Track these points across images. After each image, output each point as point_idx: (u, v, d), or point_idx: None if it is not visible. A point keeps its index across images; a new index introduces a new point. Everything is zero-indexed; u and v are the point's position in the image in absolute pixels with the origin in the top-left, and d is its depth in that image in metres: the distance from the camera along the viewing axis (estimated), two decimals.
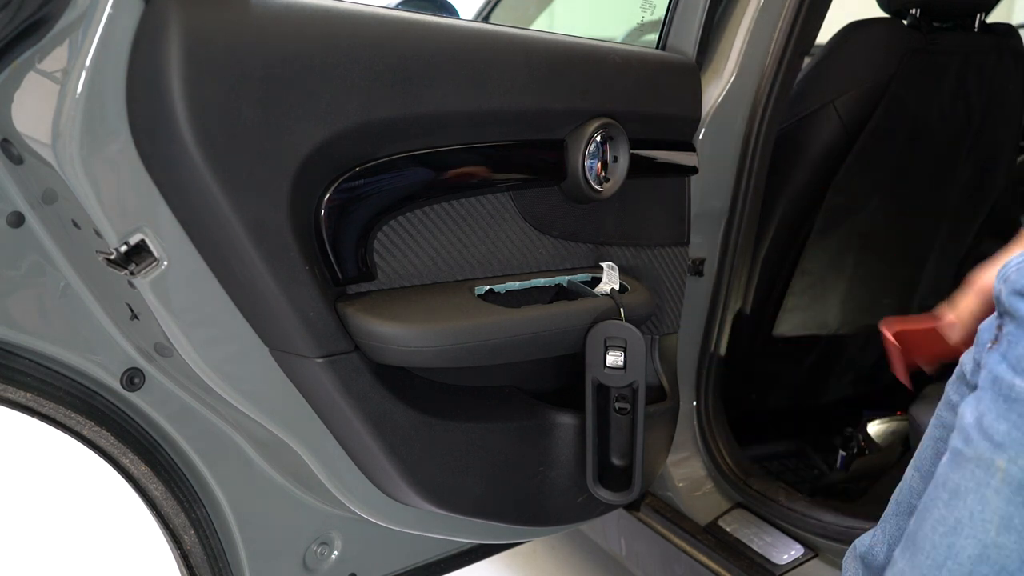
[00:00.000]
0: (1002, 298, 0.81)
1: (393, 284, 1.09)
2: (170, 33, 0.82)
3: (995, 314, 0.86)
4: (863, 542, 1.08)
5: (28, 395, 1.02)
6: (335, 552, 1.35)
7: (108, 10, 0.81)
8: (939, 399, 0.98)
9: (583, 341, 1.19)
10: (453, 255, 1.15)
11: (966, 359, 0.93)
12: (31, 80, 0.87)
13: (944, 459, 0.85)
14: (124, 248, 0.89)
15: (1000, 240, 0.98)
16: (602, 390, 1.22)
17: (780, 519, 1.62)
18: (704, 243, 1.56)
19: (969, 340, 0.93)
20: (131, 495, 1.13)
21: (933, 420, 1.00)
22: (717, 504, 1.70)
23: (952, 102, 1.79)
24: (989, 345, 0.83)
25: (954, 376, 0.97)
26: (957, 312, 0.99)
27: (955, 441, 0.83)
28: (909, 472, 1.03)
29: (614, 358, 1.19)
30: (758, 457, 1.93)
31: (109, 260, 0.90)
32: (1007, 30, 1.84)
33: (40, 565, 2.18)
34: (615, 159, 1.24)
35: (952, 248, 1.98)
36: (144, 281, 0.92)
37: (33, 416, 1.03)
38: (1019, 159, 2.05)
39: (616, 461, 1.27)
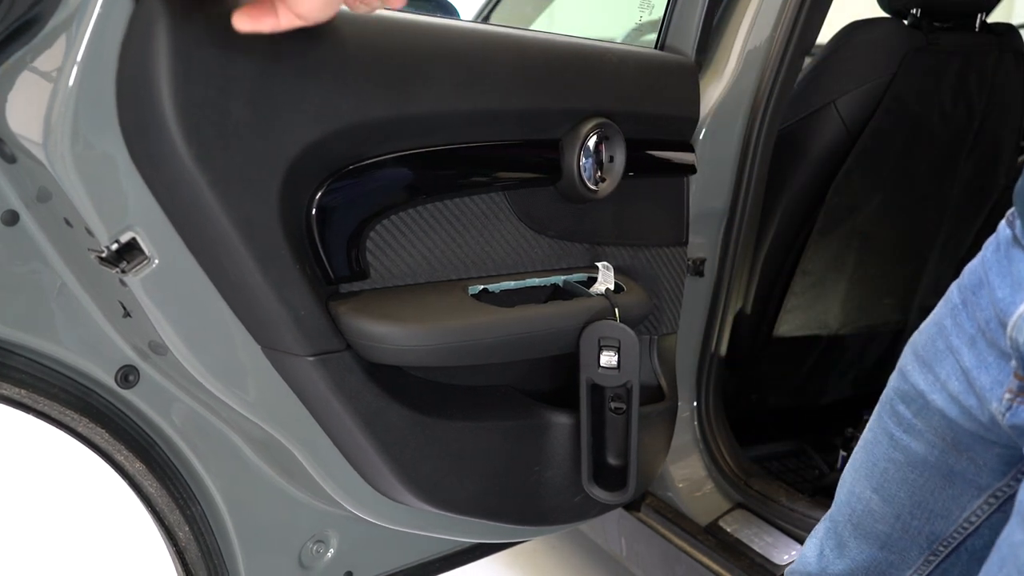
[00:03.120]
0: None
1: (386, 283, 1.09)
2: (159, 32, 0.82)
3: (988, 353, 0.80)
4: (807, 561, 1.03)
5: (23, 392, 1.02)
6: (331, 550, 1.35)
7: (98, 9, 0.82)
8: None
9: (577, 341, 1.19)
10: (447, 254, 1.15)
11: (926, 387, 0.87)
12: (23, 79, 0.88)
13: (1017, 536, 0.73)
14: (115, 246, 0.90)
15: None
16: (596, 390, 1.22)
17: (781, 519, 1.62)
18: (704, 243, 1.55)
19: None
20: (126, 492, 1.13)
21: (884, 439, 0.94)
22: (718, 504, 1.70)
23: (953, 102, 1.78)
24: (1008, 396, 0.77)
25: (893, 393, 0.93)
26: None
27: None
28: (864, 492, 0.96)
29: (608, 358, 1.19)
30: (759, 457, 1.92)
31: (101, 258, 0.90)
32: (1007, 30, 1.83)
33: (36, 562, 2.19)
34: (611, 159, 1.24)
35: (952, 248, 1.97)
36: (135, 279, 0.92)
37: (28, 413, 1.03)
38: (1019, 159, 2.03)
39: (612, 461, 1.27)
